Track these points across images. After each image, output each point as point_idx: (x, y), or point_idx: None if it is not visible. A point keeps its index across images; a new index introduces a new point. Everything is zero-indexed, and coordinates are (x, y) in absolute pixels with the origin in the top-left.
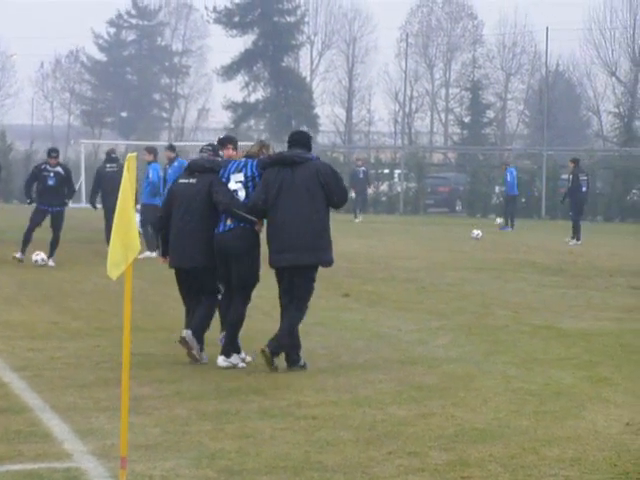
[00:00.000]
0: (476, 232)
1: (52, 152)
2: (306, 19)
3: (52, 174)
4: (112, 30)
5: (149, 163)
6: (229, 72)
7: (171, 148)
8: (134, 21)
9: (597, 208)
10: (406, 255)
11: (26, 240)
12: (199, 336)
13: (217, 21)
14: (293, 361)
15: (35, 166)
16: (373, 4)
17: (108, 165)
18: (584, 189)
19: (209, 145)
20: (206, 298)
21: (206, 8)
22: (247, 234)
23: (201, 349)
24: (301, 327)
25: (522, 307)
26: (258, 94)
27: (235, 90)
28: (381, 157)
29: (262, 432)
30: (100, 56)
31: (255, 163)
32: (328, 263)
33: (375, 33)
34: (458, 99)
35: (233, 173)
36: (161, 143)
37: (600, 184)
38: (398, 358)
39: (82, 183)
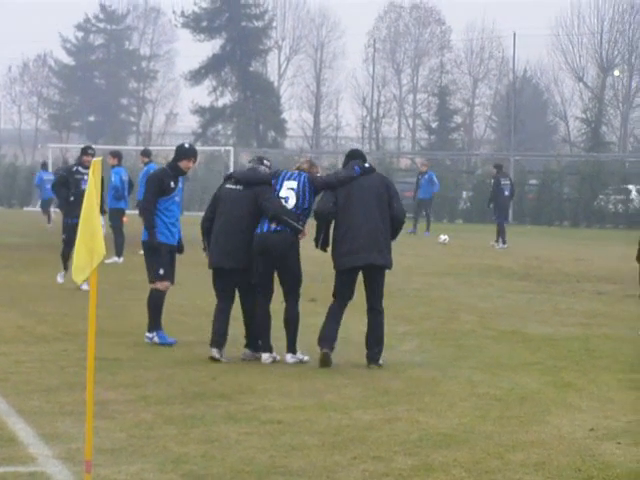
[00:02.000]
0: (443, 237)
1: (89, 149)
2: (274, 24)
3: (87, 177)
4: (80, 34)
5: (113, 167)
6: (197, 77)
7: (144, 153)
8: (102, 25)
9: (564, 213)
10: None
11: (65, 259)
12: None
13: (185, 25)
14: (374, 357)
15: (63, 169)
16: (341, 9)
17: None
18: (507, 193)
19: (255, 158)
20: (248, 307)
21: (174, 12)
22: (291, 238)
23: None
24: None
25: (488, 312)
26: (226, 99)
27: (203, 95)
28: None
29: (227, 437)
30: (68, 60)
31: (307, 177)
32: (391, 266)
33: (343, 38)
34: (426, 104)
35: (287, 180)
36: (129, 147)
37: (567, 189)
38: (364, 363)
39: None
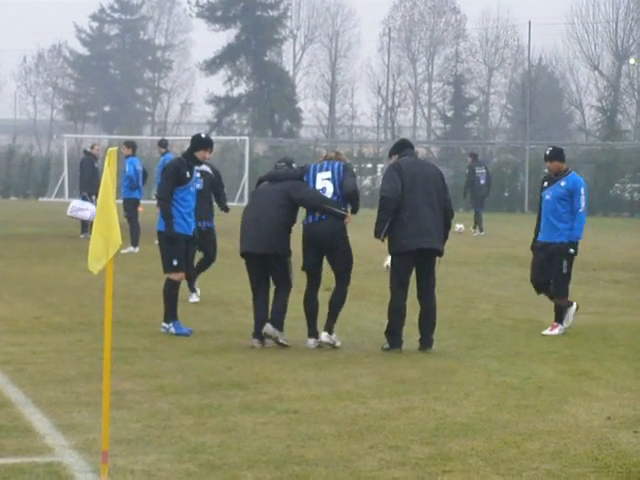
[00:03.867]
0: (459, 226)
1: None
2: (289, 13)
3: (199, 175)
4: (95, 24)
5: (127, 157)
6: (212, 66)
7: (161, 143)
8: (117, 15)
9: None
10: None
11: (191, 277)
12: (280, 323)
13: (200, 15)
14: (429, 343)
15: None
16: None
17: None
18: (482, 182)
19: (282, 161)
20: (279, 287)
21: (189, 2)
22: (339, 224)
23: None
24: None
25: (504, 301)
26: (241, 88)
27: (218, 84)
28: (364, 151)
29: (244, 426)
30: (83, 50)
31: (343, 165)
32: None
33: (358, 27)
34: (441, 93)
35: (319, 172)
36: (144, 137)
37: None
38: (380, 352)
39: (65, 178)
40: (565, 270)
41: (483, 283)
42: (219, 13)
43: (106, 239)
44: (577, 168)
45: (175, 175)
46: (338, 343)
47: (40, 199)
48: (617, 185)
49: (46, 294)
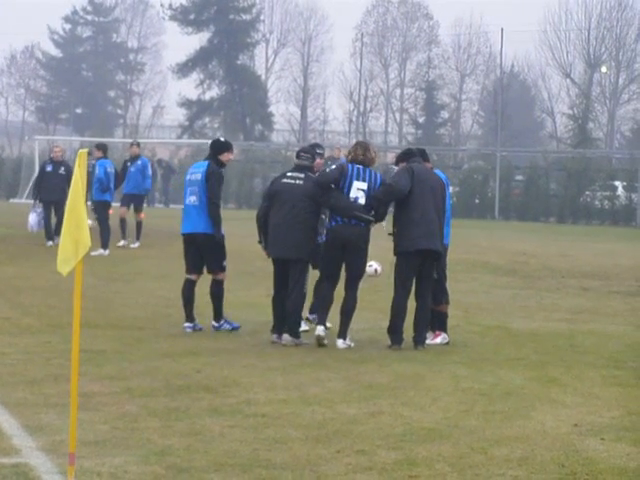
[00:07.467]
0: None
1: (318, 147)
2: (262, 17)
3: None
4: (68, 26)
5: (98, 159)
6: (184, 69)
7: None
8: (90, 17)
9: (550, 209)
10: None
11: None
12: (296, 332)
13: (173, 18)
14: (422, 341)
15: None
16: (329, 3)
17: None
18: None
19: (308, 152)
20: (295, 293)
21: (162, 5)
22: (365, 229)
23: (298, 336)
24: (251, 327)
25: (473, 307)
26: (213, 92)
27: (190, 88)
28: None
29: (211, 430)
30: (55, 52)
31: (381, 179)
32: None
33: (331, 32)
34: (413, 99)
35: (356, 180)
36: (116, 140)
37: (554, 185)
38: (349, 357)
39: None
40: (436, 275)
41: (452, 289)
42: (192, 16)
43: (75, 241)
44: (548, 175)
45: (222, 181)
46: (352, 344)
47: (11, 200)
48: (587, 193)
49: (15, 295)
